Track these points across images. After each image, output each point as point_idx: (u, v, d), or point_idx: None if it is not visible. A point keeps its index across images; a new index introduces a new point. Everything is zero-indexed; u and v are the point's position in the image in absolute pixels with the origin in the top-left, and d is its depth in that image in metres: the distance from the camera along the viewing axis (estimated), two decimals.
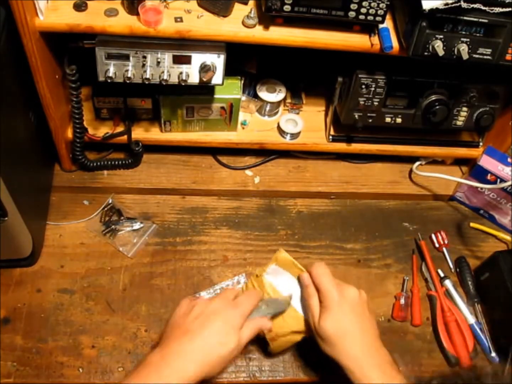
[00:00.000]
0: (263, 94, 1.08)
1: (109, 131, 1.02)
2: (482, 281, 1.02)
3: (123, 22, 0.80)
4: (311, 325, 0.80)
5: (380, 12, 0.80)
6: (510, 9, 0.77)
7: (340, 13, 0.80)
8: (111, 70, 0.86)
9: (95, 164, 1.07)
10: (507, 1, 0.77)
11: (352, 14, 0.80)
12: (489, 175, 1.07)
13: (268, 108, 1.11)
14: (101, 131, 1.03)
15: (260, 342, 0.90)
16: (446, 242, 1.08)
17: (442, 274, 1.03)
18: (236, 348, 0.73)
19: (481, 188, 1.10)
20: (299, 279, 0.86)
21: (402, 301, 0.98)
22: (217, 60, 0.88)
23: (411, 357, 0.94)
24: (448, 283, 1.02)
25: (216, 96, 1.01)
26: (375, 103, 1.01)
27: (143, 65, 0.87)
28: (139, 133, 1.05)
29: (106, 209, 1.04)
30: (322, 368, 0.90)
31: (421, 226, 1.12)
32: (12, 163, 0.78)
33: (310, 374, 0.89)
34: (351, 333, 0.77)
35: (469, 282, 1.02)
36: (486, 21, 0.80)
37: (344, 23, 0.83)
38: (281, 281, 0.87)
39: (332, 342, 0.76)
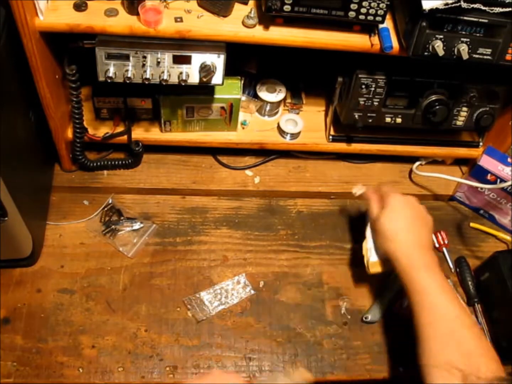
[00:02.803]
0: (263, 94, 1.08)
1: (109, 131, 1.02)
2: (482, 281, 1.02)
3: (123, 22, 0.80)
4: (372, 224, 0.91)
5: (380, 12, 0.80)
6: (510, 9, 0.77)
7: (340, 13, 0.80)
8: (111, 70, 0.86)
9: (95, 164, 1.07)
10: (507, 1, 0.77)
11: (352, 14, 0.80)
12: (489, 175, 1.07)
13: (268, 108, 1.11)
14: (101, 131, 1.03)
15: (262, 341, 0.90)
16: (446, 242, 1.08)
17: None
18: None
19: (481, 188, 1.10)
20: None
21: (405, 303, 0.98)
22: (217, 60, 0.88)
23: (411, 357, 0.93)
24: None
25: (216, 96, 1.01)
26: (375, 103, 1.00)
27: (143, 65, 0.87)
28: (139, 133, 1.05)
29: (106, 209, 1.04)
30: (322, 368, 0.90)
31: None
32: (12, 163, 0.78)
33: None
34: (405, 231, 0.86)
35: (469, 282, 1.02)
36: (486, 21, 0.80)
37: (344, 23, 0.83)
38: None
39: (388, 238, 0.86)
